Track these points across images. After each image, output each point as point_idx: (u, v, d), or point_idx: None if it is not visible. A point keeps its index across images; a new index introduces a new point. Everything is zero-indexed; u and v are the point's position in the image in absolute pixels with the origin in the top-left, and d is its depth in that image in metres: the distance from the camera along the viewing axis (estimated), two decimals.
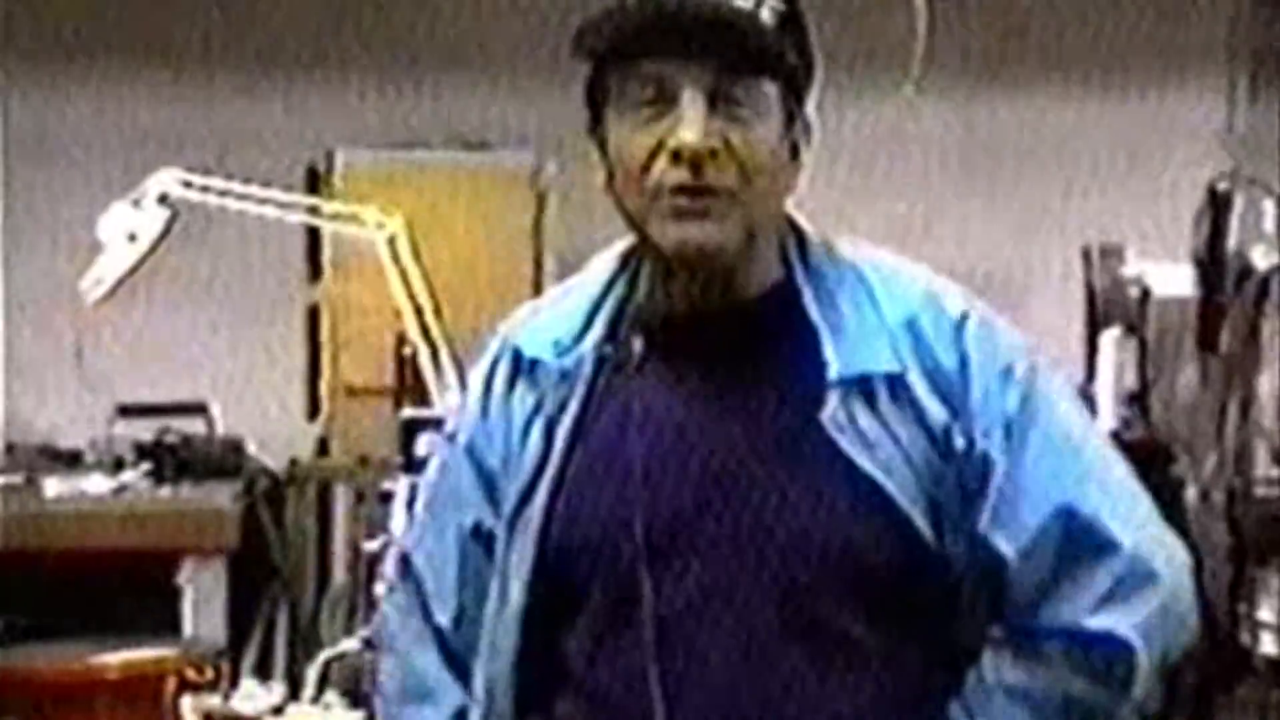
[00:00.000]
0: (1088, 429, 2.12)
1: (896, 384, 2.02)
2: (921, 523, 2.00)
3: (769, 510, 2.01)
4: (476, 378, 2.23)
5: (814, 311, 2.05)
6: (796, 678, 2.02)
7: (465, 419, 2.23)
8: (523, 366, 2.16)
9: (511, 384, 2.17)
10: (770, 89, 2.01)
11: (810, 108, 2.08)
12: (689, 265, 2.03)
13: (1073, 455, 2.06)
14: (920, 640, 2.05)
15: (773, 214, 2.07)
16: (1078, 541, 2.02)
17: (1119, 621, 2.01)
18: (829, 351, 2.02)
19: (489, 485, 2.18)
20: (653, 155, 2.00)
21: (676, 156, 1.98)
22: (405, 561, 2.28)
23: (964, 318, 2.06)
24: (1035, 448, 2.03)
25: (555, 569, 2.09)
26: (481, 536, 2.18)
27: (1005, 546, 2.01)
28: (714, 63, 1.97)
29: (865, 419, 2.00)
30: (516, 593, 2.11)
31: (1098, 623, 2.01)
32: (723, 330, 2.07)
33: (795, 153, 2.07)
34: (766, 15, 2.00)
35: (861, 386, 2.01)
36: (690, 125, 1.97)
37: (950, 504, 2.01)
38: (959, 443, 2.01)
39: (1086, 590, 2.01)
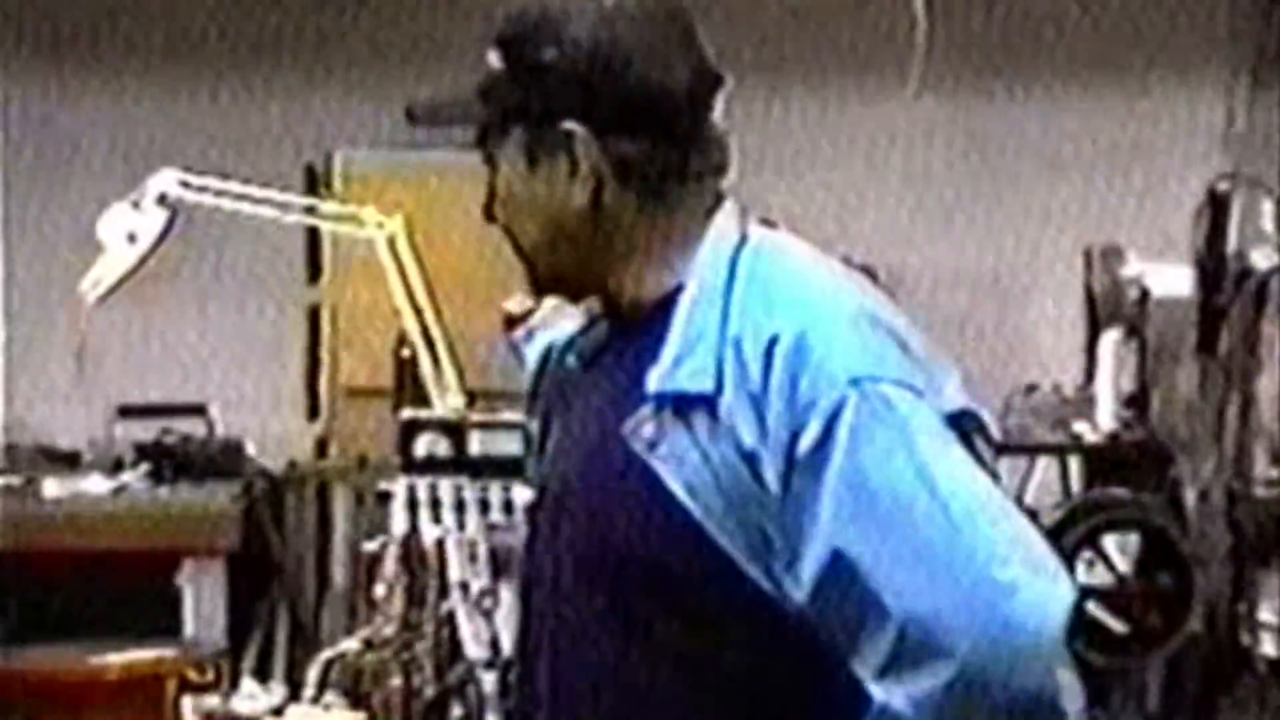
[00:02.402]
0: (910, 476, 1.90)
1: (713, 405, 1.96)
2: (733, 547, 1.95)
3: (586, 517, 2.07)
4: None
5: (677, 320, 2.03)
6: (619, 673, 2.04)
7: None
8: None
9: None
10: (503, 137, 2.14)
11: (571, 123, 2.07)
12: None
13: (863, 504, 1.89)
14: (762, 658, 2.00)
15: (545, 237, 2.12)
16: (851, 598, 1.89)
17: (894, 693, 1.87)
18: (659, 365, 2.01)
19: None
20: None
21: None
22: None
23: (772, 343, 1.94)
24: (824, 490, 1.90)
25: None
26: None
27: (795, 593, 1.93)
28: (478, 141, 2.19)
29: (678, 437, 1.98)
30: (519, 569, 2.25)
31: (879, 691, 1.88)
32: (619, 333, 2.14)
33: (575, 170, 2.08)
34: (497, 64, 2.14)
35: (675, 404, 1.98)
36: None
37: (778, 536, 1.95)
38: (767, 474, 1.94)
39: (871, 653, 1.89)
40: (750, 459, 1.94)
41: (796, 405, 1.92)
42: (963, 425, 1.98)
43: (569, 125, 2.06)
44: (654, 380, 2.00)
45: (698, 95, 2.10)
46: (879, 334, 1.98)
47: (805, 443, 1.91)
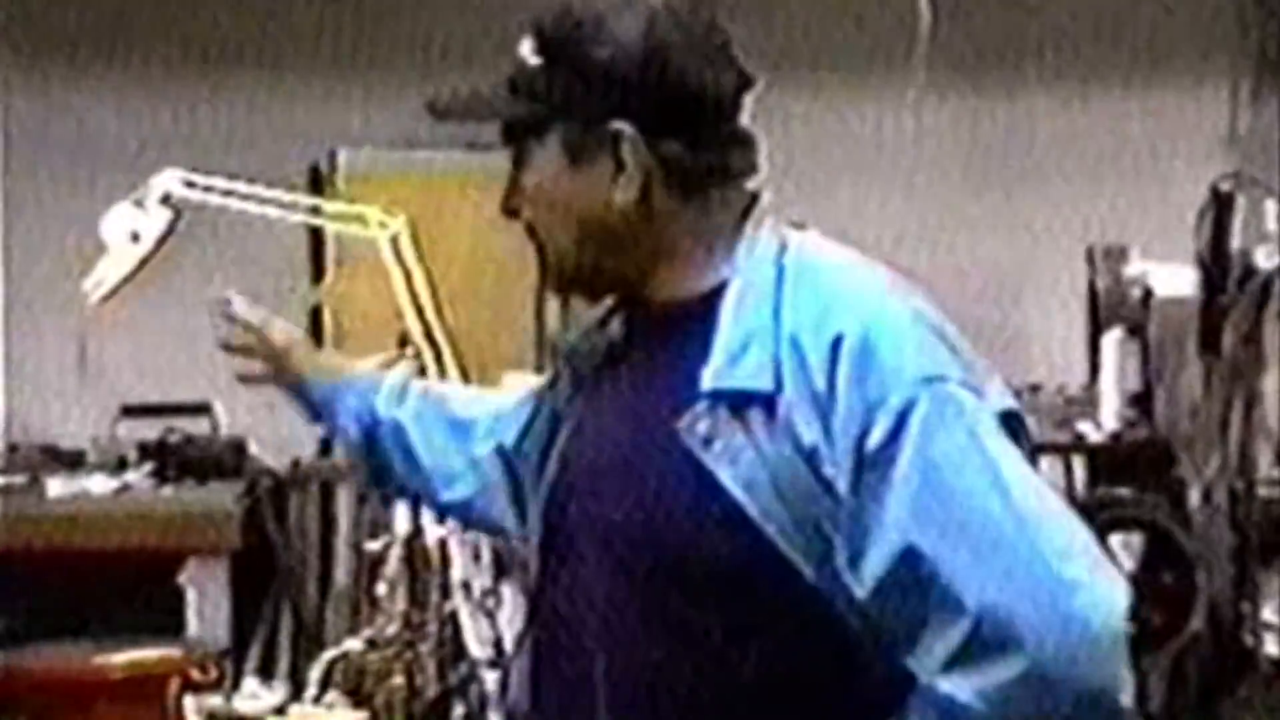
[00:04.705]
0: (980, 475, 1.93)
1: (770, 403, 1.98)
2: (785, 544, 1.97)
3: (627, 514, 2.05)
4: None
5: (724, 318, 2.04)
6: (657, 669, 2.03)
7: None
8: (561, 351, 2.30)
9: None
10: (546, 135, 2.11)
11: (620, 123, 2.06)
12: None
13: (934, 500, 1.91)
14: (802, 655, 2.01)
15: (581, 236, 2.11)
16: (922, 593, 1.91)
17: (962, 685, 1.89)
18: (710, 362, 2.02)
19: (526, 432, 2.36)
20: None
21: None
22: None
23: (838, 340, 1.96)
24: (895, 487, 1.92)
25: (543, 545, 2.20)
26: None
27: (857, 588, 1.95)
28: (502, 135, 2.17)
29: (733, 434, 1.98)
30: (534, 559, 2.21)
31: (944, 684, 1.90)
32: (652, 331, 2.13)
33: (621, 168, 2.07)
34: (534, 59, 2.11)
35: (731, 401, 1.99)
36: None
37: (832, 529, 1.96)
38: (828, 470, 1.95)
39: (938, 646, 1.91)
40: (810, 456, 1.95)
41: (864, 403, 1.94)
42: (1010, 425, 2.00)
43: (617, 125, 2.06)
44: (709, 377, 2.01)
45: (734, 95, 2.12)
46: (934, 335, 2.01)
47: (874, 441, 1.93)
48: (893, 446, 1.92)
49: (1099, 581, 1.91)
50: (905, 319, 2.01)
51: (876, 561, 1.93)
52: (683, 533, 2.00)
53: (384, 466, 2.60)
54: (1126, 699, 1.91)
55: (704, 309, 2.06)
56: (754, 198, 2.13)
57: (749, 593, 1.99)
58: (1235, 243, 6.14)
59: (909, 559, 1.91)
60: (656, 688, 2.03)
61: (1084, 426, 6.33)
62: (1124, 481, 6.08)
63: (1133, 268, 6.46)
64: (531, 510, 2.23)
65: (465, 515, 2.68)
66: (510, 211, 2.17)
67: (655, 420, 2.04)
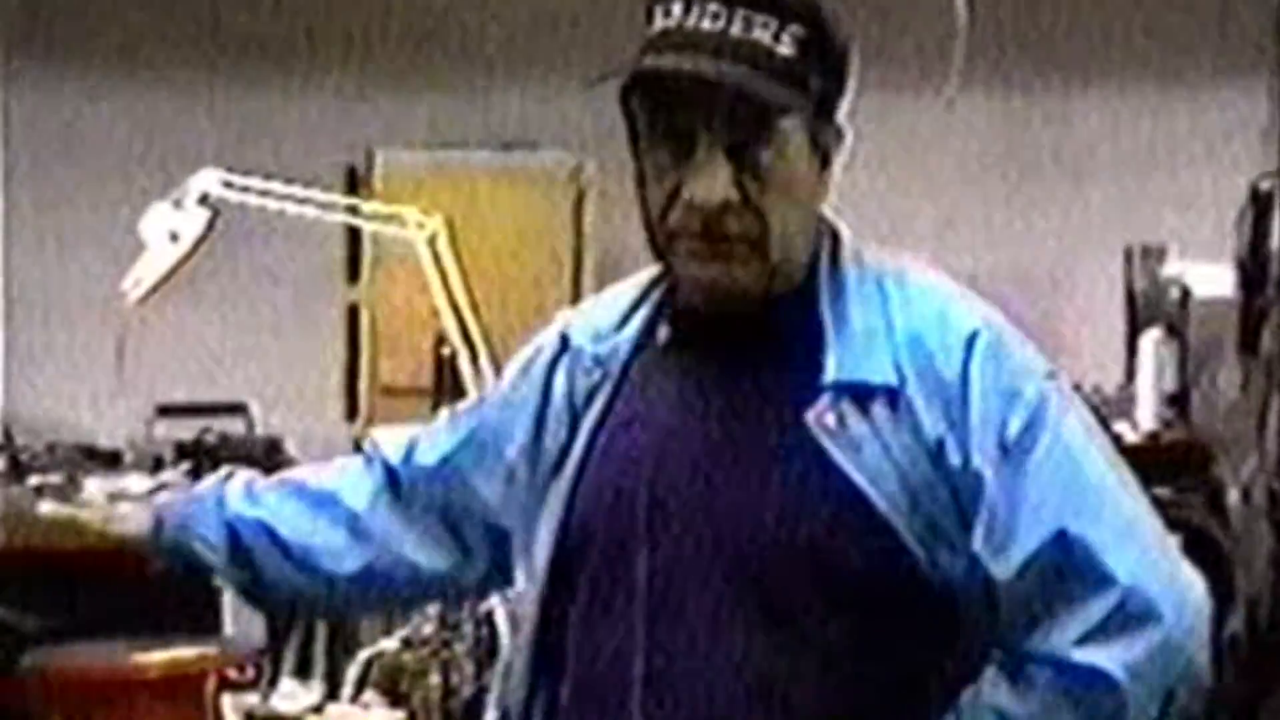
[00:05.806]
0: (1101, 462, 2.06)
1: (893, 397, 2.02)
2: (908, 535, 2.00)
3: (738, 505, 2.04)
4: (527, 350, 2.31)
5: (826, 316, 2.06)
6: (764, 669, 2.02)
7: (498, 385, 2.35)
8: (568, 351, 2.22)
9: (554, 366, 2.23)
10: (792, 123, 2.03)
11: (842, 113, 2.09)
12: (710, 300, 2.10)
13: (1076, 485, 2.02)
14: (909, 649, 2.04)
15: (800, 244, 2.08)
16: (1071, 571, 1.99)
17: (1106, 657, 1.97)
18: (830, 356, 2.04)
19: (480, 444, 2.32)
20: (671, 200, 2.04)
21: (692, 206, 2.03)
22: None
23: (974, 336, 2.04)
24: (1036, 474, 2.01)
25: (571, 551, 2.14)
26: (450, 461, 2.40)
27: (997, 569, 2.00)
28: (729, 118, 2.01)
29: (857, 426, 2.01)
30: (539, 572, 2.15)
31: (1083, 655, 1.98)
32: (737, 327, 2.10)
33: (827, 162, 2.09)
34: (786, 47, 2.02)
35: (856, 394, 2.02)
36: (704, 182, 2.01)
37: (946, 521, 2.01)
38: (954, 460, 2.00)
39: (1077, 621, 1.98)
40: (932, 448, 2.01)
41: (1004, 395, 2.02)
42: None
43: (839, 117, 2.09)
44: (832, 370, 2.03)
45: None
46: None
47: (1013, 431, 2.01)
48: (1029, 436, 2.01)
49: (1186, 562, 2.08)
50: (1006, 321, 2.11)
51: (1025, 544, 1.99)
52: (804, 525, 2.01)
53: (261, 573, 2.49)
54: (1206, 678, 2.04)
55: (800, 303, 2.07)
56: None
57: (865, 585, 2.01)
58: (1274, 243, 6.12)
59: (1060, 541, 1.99)
60: (741, 685, 2.02)
61: (1121, 427, 6.31)
62: (1161, 482, 6.04)
63: (1171, 267, 6.44)
64: (549, 506, 2.15)
65: (375, 584, 2.45)
66: (738, 200, 2.02)
67: (758, 414, 2.05)
